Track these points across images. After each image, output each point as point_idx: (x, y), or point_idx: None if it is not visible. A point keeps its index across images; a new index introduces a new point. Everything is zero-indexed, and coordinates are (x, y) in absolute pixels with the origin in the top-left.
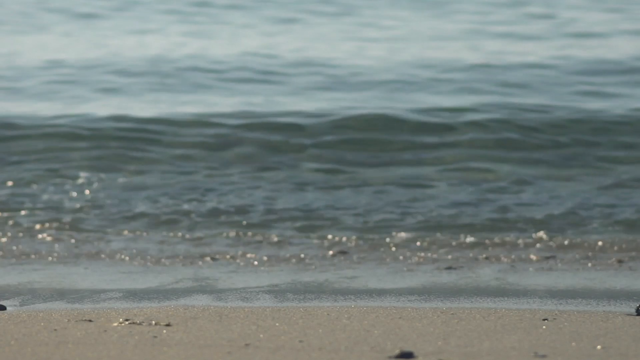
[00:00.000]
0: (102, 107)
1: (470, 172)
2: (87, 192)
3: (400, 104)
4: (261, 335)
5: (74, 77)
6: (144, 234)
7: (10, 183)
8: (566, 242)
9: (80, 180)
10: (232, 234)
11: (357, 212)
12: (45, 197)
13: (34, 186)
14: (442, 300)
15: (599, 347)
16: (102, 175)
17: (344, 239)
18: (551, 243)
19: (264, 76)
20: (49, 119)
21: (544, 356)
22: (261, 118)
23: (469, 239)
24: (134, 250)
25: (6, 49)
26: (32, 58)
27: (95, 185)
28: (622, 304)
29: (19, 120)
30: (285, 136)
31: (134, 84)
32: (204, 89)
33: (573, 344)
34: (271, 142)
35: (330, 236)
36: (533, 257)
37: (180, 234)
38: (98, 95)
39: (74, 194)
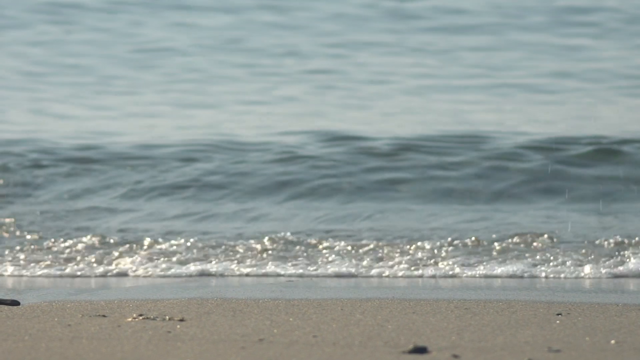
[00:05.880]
0: None
1: None
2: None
3: None
4: (275, 330)
5: None
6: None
7: None
8: (574, 236)
9: None
10: (244, 230)
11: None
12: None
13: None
14: (455, 294)
15: (613, 341)
16: None
17: (355, 230)
18: (560, 239)
19: None
20: None
21: (557, 351)
22: None
23: (482, 235)
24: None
25: None
26: None
27: None
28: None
29: None
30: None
31: None
32: None
33: (587, 338)
34: None
35: (342, 228)
36: (544, 252)
37: (194, 229)
38: None
39: None
